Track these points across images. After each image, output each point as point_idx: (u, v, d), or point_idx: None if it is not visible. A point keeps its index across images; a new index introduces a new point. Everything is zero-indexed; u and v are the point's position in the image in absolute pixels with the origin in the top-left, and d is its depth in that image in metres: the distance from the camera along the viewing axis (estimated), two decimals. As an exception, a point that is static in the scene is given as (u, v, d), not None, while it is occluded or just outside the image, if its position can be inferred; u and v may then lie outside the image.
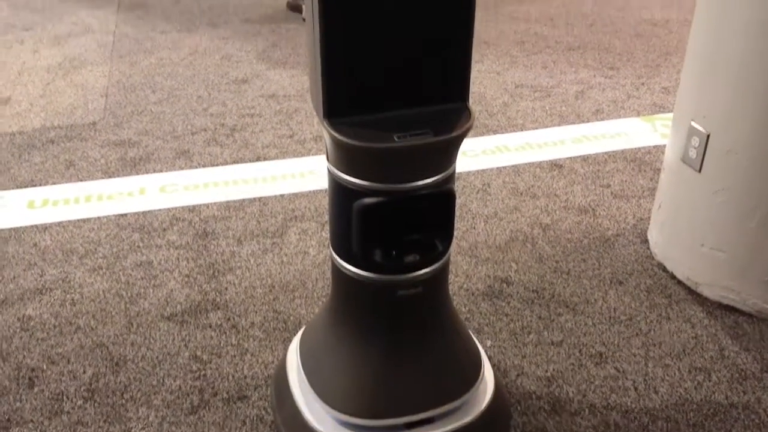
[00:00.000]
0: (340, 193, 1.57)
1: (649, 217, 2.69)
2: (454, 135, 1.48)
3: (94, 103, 3.74)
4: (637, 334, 2.16)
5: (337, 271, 1.61)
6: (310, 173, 3.10)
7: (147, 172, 3.11)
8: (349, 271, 1.56)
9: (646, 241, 2.60)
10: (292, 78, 4.06)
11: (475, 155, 3.26)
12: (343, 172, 1.54)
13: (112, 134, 3.42)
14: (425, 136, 1.47)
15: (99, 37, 4.68)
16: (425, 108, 1.56)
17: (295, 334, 2.02)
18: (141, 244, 2.60)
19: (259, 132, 3.45)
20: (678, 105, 2.42)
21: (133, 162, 3.18)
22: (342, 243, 1.57)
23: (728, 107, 2.18)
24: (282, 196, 2.92)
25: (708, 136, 2.23)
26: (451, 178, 1.58)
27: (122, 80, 4.02)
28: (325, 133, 1.49)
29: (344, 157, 1.51)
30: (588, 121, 3.55)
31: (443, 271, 1.62)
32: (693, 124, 2.28)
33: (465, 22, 1.50)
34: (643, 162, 3.15)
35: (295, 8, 5.07)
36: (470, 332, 1.83)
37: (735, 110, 2.17)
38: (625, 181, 3.01)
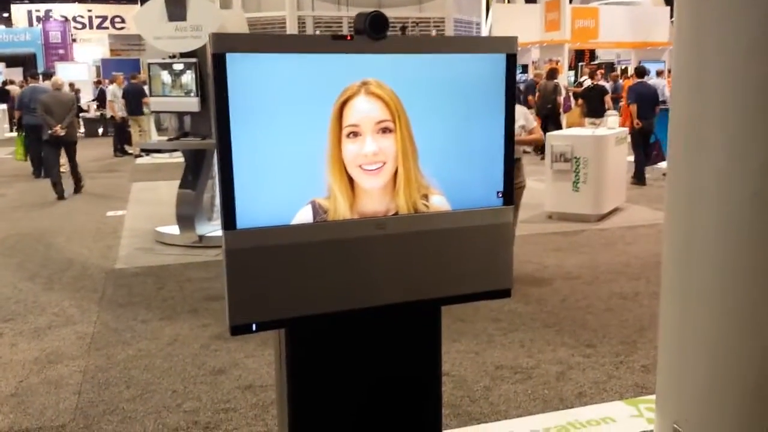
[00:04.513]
0: None
1: None
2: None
3: (65, 402, 3.64)
4: None
5: None
6: (285, 478, 2.93)
7: (112, 483, 2.92)
8: None
9: None
10: (270, 366, 4.01)
11: (459, 449, 3.13)
12: None
13: (80, 439, 3.27)
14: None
15: (79, 328, 4.70)
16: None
17: None
18: None
19: (232, 430, 3.32)
20: (658, 404, 2.39)
21: (98, 471, 3.00)
22: None
23: (710, 410, 2.15)
24: (255, 508, 2.72)
25: (693, 439, 2.17)
26: None
27: (97, 375, 3.95)
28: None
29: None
30: (572, 406, 3.48)
31: None
32: (676, 426, 2.24)
33: (431, 365, 1.52)
34: (633, 453, 3.03)
35: None
36: None
37: (717, 414, 2.14)
38: (617, 476, 2.87)
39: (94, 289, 5.59)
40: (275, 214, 1.41)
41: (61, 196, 9.70)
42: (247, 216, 1.38)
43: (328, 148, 1.45)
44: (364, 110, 1.47)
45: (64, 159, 10.22)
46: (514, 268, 5.27)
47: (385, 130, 1.48)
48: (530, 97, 13.93)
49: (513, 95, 1.60)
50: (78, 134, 10.80)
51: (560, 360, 4.03)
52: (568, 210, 7.75)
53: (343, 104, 1.47)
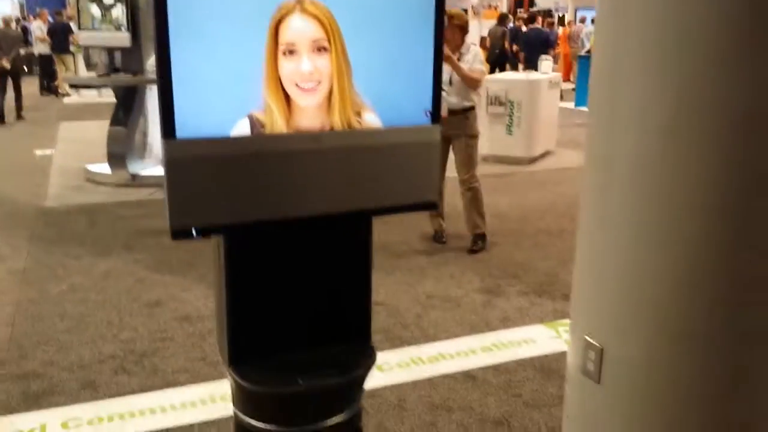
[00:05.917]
0: (247, 439, 1.57)
1: (560, 426, 2.74)
2: (359, 373, 1.54)
3: (-2, 334, 3.63)
4: None
5: None
6: (221, 398, 3.04)
7: (50, 406, 2.97)
8: None
9: (561, 453, 2.63)
10: (207, 298, 4.08)
11: (389, 368, 3.30)
12: (249, 417, 1.55)
13: (16, 367, 3.29)
14: (330, 377, 1.52)
15: (10, 264, 4.64)
16: (329, 348, 1.63)
17: None
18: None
19: (170, 357, 3.40)
20: (573, 318, 2.57)
21: (36, 396, 3.04)
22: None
23: (620, 320, 2.34)
24: (191, 426, 2.83)
25: (602, 350, 2.36)
26: (358, 416, 1.61)
27: (30, 309, 3.94)
28: (230, 379, 1.52)
29: (250, 402, 1.54)
30: (496, 329, 3.69)
31: None
32: (587, 338, 2.42)
33: (362, 273, 1.63)
34: (550, 370, 3.26)
35: None
36: None
37: (627, 323, 2.32)
38: (536, 390, 3.09)
39: (25, 227, 5.49)
40: (214, 126, 1.46)
41: (1, 120, 10.91)
42: (187, 126, 1.42)
43: (265, 64, 1.50)
44: (299, 28, 1.52)
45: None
46: (450, 210, 5.40)
47: (320, 49, 1.53)
48: (515, 46, 13.85)
49: (442, 14, 1.67)
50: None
51: (488, 290, 4.24)
52: (502, 153, 7.94)
53: (279, 22, 1.51)
